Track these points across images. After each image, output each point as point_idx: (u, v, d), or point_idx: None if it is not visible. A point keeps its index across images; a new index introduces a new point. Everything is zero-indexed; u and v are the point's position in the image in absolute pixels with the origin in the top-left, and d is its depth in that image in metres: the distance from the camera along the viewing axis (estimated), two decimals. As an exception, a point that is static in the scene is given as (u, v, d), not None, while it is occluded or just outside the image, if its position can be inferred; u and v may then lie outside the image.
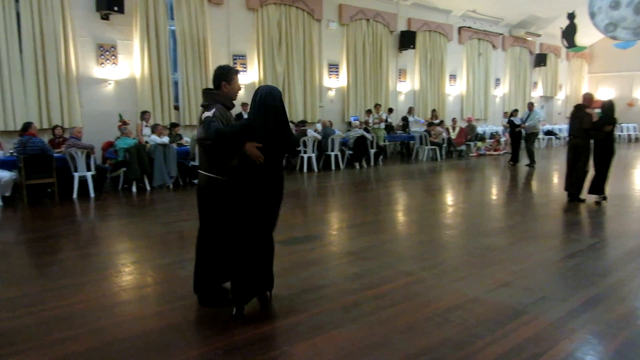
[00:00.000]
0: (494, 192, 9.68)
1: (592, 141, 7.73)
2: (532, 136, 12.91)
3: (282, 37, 12.94)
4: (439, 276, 4.38)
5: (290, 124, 3.70)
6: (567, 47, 16.34)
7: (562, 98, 24.16)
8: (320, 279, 4.33)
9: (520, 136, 13.10)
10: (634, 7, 11.08)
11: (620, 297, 3.92)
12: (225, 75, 3.58)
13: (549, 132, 19.85)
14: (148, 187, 8.94)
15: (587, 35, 17.46)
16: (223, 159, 3.49)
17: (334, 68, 14.46)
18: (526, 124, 12.71)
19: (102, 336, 3.22)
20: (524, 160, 12.99)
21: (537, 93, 22.51)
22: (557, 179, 11.25)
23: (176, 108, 11.40)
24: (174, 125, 10.33)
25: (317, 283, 4.21)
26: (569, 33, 15.38)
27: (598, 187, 7.78)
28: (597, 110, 7.72)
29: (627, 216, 7.14)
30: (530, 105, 13.04)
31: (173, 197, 8.50)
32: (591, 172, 7.79)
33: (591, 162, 7.74)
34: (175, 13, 11.07)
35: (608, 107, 7.63)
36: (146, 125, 9.71)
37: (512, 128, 13.31)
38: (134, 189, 8.79)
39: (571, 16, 15.09)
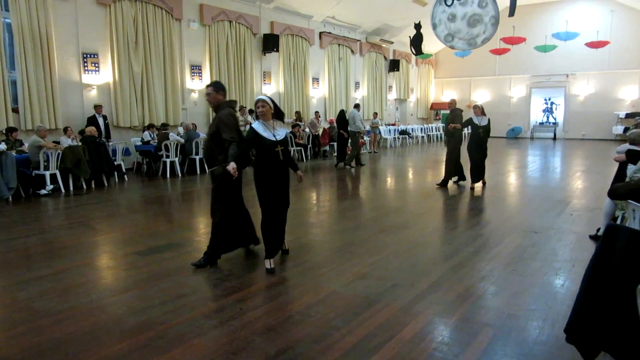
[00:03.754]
0: (354, 190, 10.23)
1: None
2: (353, 137, 13.18)
3: (139, 36, 12.26)
4: (301, 274, 4.51)
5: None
6: (415, 54, 17.85)
7: (414, 100, 26.43)
8: (181, 287, 4.17)
9: (345, 137, 13.41)
10: (467, 21, 12.51)
11: (458, 278, 4.40)
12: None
13: (403, 132, 21.53)
14: (-19, 201, 7.85)
15: (432, 43, 19.31)
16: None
17: (196, 69, 14.09)
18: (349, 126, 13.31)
19: None
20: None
21: (392, 96, 24.33)
22: (411, 175, 12.27)
23: (15, 110, 10.15)
24: (11, 130, 9.18)
25: (177, 292, 4.05)
26: (416, 41, 16.79)
27: (477, 176, 9.37)
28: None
29: (473, 205, 8.04)
30: (358, 106, 13.89)
31: (13, 211, 7.56)
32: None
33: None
34: (10, 4, 9.87)
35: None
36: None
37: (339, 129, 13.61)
38: (-37, 204, 7.65)
39: (418, 26, 16.50)
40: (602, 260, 2.67)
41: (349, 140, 13.65)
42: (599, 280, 2.67)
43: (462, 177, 9.81)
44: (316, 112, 16.75)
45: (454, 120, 9.59)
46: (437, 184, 9.64)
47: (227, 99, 4.97)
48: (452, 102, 10.01)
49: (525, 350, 3.10)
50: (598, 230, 5.66)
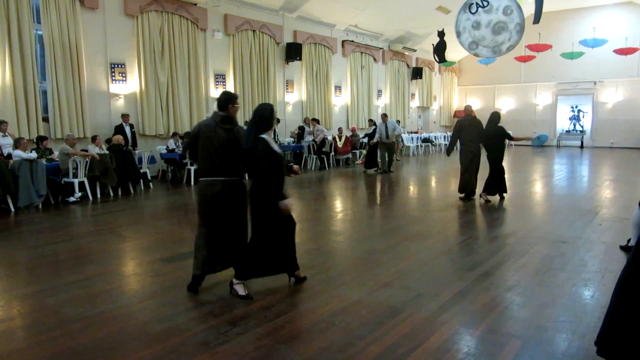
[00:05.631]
0: (377, 197, 10.19)
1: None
2: (381, 145, 13.35)
3: (165, 46, 12.50)
4: (324, 282, 4.50)
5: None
6: (439, 62, 17.78)
7: (437, 108, 26.26)
8: (206, 294, 4.21)
9: (376, 144, 13.66)
10: (491, 28, 12.42)
11: (483, 288, 4.33)
12: (229, 99, 4.18)
13: (425, 140, 21.38)
14: (12, 208, 8.07)
15: (456, 51, 19.19)
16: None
17: (220, 78, 14.28)
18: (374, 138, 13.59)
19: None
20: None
21: (415, 103, 24.22)
22: (434, 183, 12.17)
23: (45, 120, 10.46)
24: (41, 139, 9.44)
25: (203, 299, 4.10)
26: (440, 49, 16.74)
27: (493, 188, 8.80)
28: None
29: (498, 214, 7.92)
30: (383, 117, 13.79)
31: (43, 218, 7.76)
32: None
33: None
34: (42, 16, 10.18)
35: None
36: (4, 136, 8.78)
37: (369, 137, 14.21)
38: (-5, 210, 7.89)
39: (441, 34, 16.46)
40: (634, 272, 2.60)
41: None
42: (631, 292, 2.60)
43: (474, 193, 9.08)
44: (313, 119, 16.26)
45: (479, 129, 8.82)
46: (462, 198, 9.03)
47: (242, 107, 4.90)
48: (467, 108, 9.38)
49: (554, 363, 3.03)
50: (629, 240, 5.51)
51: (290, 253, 4.31)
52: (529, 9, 11.29)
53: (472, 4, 11.05)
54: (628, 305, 2.57)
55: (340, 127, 16.63)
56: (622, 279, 2.65)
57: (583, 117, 24.15)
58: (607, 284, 4.37)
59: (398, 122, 19.76)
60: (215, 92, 14.13)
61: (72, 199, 8.90)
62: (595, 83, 23.16)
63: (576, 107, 24.20)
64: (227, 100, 4.16)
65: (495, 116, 8.92)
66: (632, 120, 22.32)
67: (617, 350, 2.64)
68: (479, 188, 9.00)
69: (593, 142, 23.61)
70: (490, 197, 8.82)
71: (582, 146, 23.47)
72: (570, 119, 24.48)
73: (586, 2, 22.18)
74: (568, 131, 24.53)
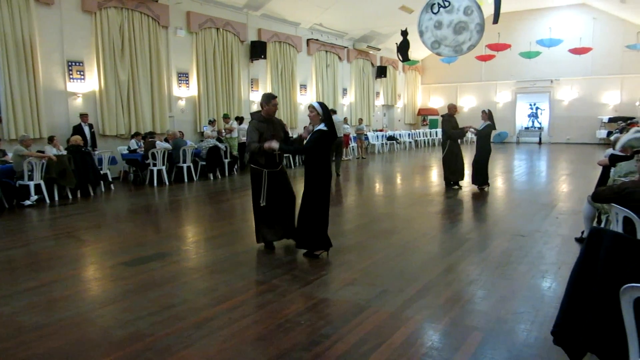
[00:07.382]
0: (343, 196, 10.24)
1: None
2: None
3: (125, 43, 12.19)
4: (290, 282, 4.49)
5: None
6: (402, 61, 17.99)
7: (401, 106, 26.60)
8: (170, 298, 4.14)
9: None
10: (453, 28, 12.66)
11: (446, 283, 4.42)
12: (263, 99, 5.53)
13: (390, 138, 21.63)
14: (-36, 213, 7.72)
15: (419, 50, 19.48)
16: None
17: (183, 77, 14.04)
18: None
19: None
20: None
21: (379, 102, 24.47)
22: (400, 180, 12.32)
23: (-2, 120, 10.04)
24: (-6, 140, 9.08)
25: (166, 303, 4.02)
26: (403, 48, 16.91)
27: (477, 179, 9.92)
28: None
29: (460, 210, 8.09)
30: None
31: (-3, 222, 7.45)
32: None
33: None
34: (-8, 12, 9.75)
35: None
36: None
37: None
38: (-55, 215, 7.52)
39: (404, 33, 16.62)
40: (587, 263, 2.70)
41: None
42: (583, 282, 2.70)
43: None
44: None
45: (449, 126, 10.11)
46: (458, 186, 10.16)
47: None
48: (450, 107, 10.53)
49: (513, 353, 3.12)
50: (582, 232, 5.73)
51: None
52: (488, 9, 11.56)
53: (434, 4, 11.23)
54: (581, 295, 2.67)
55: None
56: (574, 270, 2.75)
57: (541, 114, 24.96)
58: (563, 275, 4.53)
59: (359, 119, 19.90)
60: (178, 91, 13.89)
61: (27, 202, 8.56)
62: (552, 81, 23.98)
63: (534, 104, 24.99)
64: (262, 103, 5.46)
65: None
66: (587, 117, 23.21)
67: (571, 338, 2.73)
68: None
69: (550, 139, 24.43)
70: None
71: (540, 142, 24.25)
72: (529, 116, 25.27)
73: (542, 3, 22.92)
74: (527, 128, 25.32)
